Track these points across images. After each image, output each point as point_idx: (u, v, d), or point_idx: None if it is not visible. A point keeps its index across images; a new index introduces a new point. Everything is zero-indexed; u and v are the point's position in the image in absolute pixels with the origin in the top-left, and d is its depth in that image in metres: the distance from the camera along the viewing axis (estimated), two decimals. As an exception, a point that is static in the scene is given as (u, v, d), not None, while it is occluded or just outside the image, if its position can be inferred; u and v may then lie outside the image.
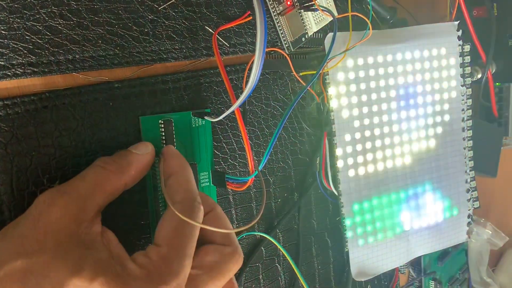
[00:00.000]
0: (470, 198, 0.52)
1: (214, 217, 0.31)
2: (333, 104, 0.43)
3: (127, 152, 0.30)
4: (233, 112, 0.33)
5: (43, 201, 0.26)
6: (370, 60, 0.45)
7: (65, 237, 0.25)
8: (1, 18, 0.28)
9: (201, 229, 0.29)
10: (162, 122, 0.34)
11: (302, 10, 0.39)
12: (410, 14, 0.51)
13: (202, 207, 0.29)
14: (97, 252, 0.25)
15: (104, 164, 0.28)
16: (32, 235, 0.24)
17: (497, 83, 0.56)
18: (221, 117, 0.33)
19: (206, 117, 0.35)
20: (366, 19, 0.40)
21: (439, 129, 0.49)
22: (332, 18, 0.38)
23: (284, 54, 0.39)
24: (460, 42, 0.50)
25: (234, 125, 0.38)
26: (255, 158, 0.39)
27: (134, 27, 0.33)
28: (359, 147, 0.45)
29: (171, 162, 0.31)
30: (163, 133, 0.34)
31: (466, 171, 0.52)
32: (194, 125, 0.36)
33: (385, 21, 0.47)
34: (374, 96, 0.45)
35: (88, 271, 0.24)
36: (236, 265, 0.30)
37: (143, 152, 0.30)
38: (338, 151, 0.44)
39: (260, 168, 0.35)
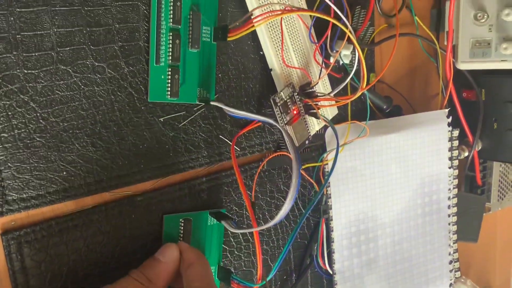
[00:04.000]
0: (453, 269, 0.56)
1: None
2: (331, 191, 0.47)
3: (155, 262, 0.33)
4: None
5: None
6: (367, 149, 0.48)
7: None
8: (41, 154, 0.31)
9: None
10: (182, 220, 0.37)
11: (306, 115, 0.42)
12: (405, 99, 0.54)
13: None
14: None
15: (137, 277, 0.32)
16: None
17: (481, 160, 0.60)
18: (239, 231, 0.37)
19: (223, 223, 0.38)
20: (364, 125, 0.44)
21: (427, 209, 0.53)
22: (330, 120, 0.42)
23: (289, 155, 0.42)
24: (450, 128, 0.53)
25: (242, 220, 0.42)
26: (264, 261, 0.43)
27: (157, 145, 0.36)
28: (353, 228, 0.49)
29: (189, 254, 0.34)
30: (182, 231, 0.37)
31: (449, 245, 0.56)
32: (209, 224, 0.39)
33: (381, 110, 0.51)
34: (368, 182, 0.49)
35: None
36: None
37: (169, 260, 0.34)
38: (335, 234, 0.47)
39: (268, 278, 0.39)
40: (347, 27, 0.34)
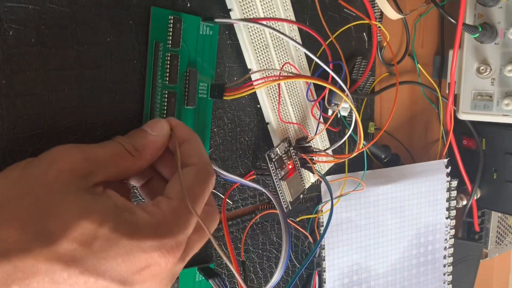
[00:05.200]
0: (446, 320, 0.55)
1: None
2: (325, 242, 0.46)
3: (142, 133, 0.29)
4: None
5: (61, 150, 0.26)
6: (363, 200, 0.48)
7: (74, 186, 0.24)
8: None
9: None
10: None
11: (301, 168, 0.42)
12: (404, 147, 0.54)
13: (214, 172, 0.30)
14: (106, 200, 0.25)
15: (122, 142, 0.28)
16: (43, 177, 0.24)
17: (479, 211, 0.59)
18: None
19: (211, 282, 0.37)
20: (360, 180, 0.43)
21: (422, 258, 0.53)
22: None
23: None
24: (448, 178, 0.53)
25: (232, 274, 0.41)
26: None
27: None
28: (346, 280, 0.48)
29: (182, 131, 0.31)
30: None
31: (444, 295, 0.55)
32: (197, 280, 0.38)
33: (379, 159, 0.50)
34: (363, 232, 0.48)
35: (97, 215, 0.23)
36: (216, 223, 0.31)
37: (158, 134, 0.30)
38: (327, 286, 0.47)
39: None
40: (344, 91, 0.34)
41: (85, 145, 0.27)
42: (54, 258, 0.22)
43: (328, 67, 0.33)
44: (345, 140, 0.42)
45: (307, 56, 0.41)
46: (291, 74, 0.35)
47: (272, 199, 0.32)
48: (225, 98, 0.35)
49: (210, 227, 0.30)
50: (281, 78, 0.33)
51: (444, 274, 0.55)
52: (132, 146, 0.28)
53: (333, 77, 0.34)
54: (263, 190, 0.33)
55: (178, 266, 0.27)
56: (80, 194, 0.24)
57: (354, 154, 0.38)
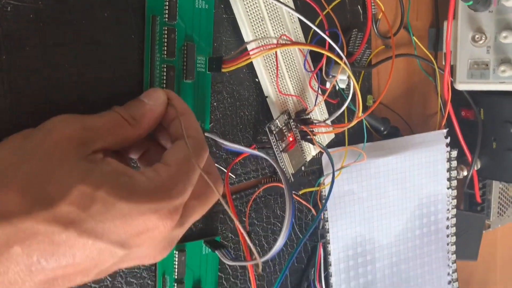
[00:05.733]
0: (452, 289, 0.56)
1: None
2: (329, 215, 0.47)
3: (140, 103, 0.30)
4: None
5: (60, 120, 0.26)
6: (364, 172, 0.48)
7: (73, 153, 0.25)
8: None
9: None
10: (176, 252, 0.37)
11: (302, 141, 0.42)
12: (403, 120, 0.54)
13: (208, 149, 0.30)
14: (105, 166, 0.25)
15: (120, 111, 0.29)
16: (42, 145, 0.25)
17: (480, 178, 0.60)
18: (233, 263, 0.37)
19: (218, 253, 0.38)
20: (361, 151, 0.43)
21: (425, 229, 0.53)
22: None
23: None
24: (448, 149, 0.53)
25: (238, 247, 0.42)
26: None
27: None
28: (351, 251, 0.48)
29: (179, 103, 0.31)
30: (176, 263, 0.37)
31: (448, 265, 0.55)
32: (204, 253, 0.39)
33: (379, 132, 0.50)
34: (366, 205, 0.49)
35: (95, 179, 0.24)
36: (220, 189, 0.31)
37: (156, 103, 0.30)
38: (332, 258, 0.47)
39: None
40: (341, 59, 0.34)
41: (83, 115, 0.28)
42: (52, 220, 0.23)
43: (325, 34, 0.33)
44: (344, 111, 0.43)
45: (303, 28, 0.41)
46: (287, 42, 0.36)
47: (273, 163, 0.33)
48: (223, 70, 0.35)
49: (212, 193, 0.30)
50: (278, 45, 0.34)
51: (448, 244, 0.55)
52: (130, 115, 0.29)
53: (330, 45, 0.34)
54: (265, 156, 0.34)
55: (177, 231, 0.28)
56: (78, 160, 0.25)
57: (354, 122, 0.39)
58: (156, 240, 0.26)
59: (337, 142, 0.47)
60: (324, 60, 0.39)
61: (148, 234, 0.25)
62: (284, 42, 0.36)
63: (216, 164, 0.39)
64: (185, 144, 0.28)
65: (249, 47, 0.35)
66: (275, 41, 0.36)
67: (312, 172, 0.47)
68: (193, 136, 0.30)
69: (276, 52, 0.37)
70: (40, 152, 0.24)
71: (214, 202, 0.31)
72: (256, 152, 0.34)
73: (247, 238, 0.30)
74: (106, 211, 0.24)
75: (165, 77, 0.34)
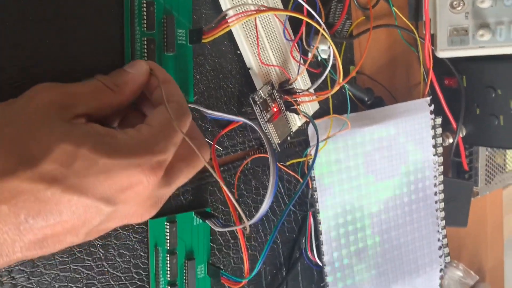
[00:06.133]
0: (442, 255, 0.57)
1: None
2: (317, 184, 0.47)
3: (122, 71, 0.31)
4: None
5: (42, 86, 0.27)
6: (350, 141, 0.49)
7: (55, 116, 0.26)
8: None
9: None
10: (167, 224, 0.38)
11: (287, 112, 0.43)
12: (386, 90, 0.55)
13: (191, 114, 0.31)
14: (87, 127, 0.26)
15: (102, 79, 0.29)
16: (24, 109, 0.25)
17: (466, 146, 0.61)
18: (224, 229, 0.37)
19: (208, 222, 0.38)
20: (345, 119, 0.44)
21: (413, 196, 0.54)
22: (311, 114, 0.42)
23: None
24: (432, 116, 0.54)
25: (228, 218, 0.42)
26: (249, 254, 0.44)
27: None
28: (341, 220, 0.49)
29: (161, 73, 0.32)
30: (168, 234, 0.38)
31: (438, 231, 0.57)
32: (195, 224, 0.40)
33: (363, 102, 0.51)
34: (354, 173, 0.50)
35: (76, 138, 0.25)
36: (207, 154, 0.32)
37: (138, 71, 0.31)
38: (322, 227, 0.48)
39: (255, 271, 0.39)
40: (320, 25, 0.35)
41: (65, 83, 0.28)
42: (36, 178, 0.23)
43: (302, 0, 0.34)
44: (327, 80, 0.43)
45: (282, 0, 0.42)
46: (265, 8, 0.36)
47: (256, 128, 0.33)
48: (203, 41, 0.36)
49: (198, 158, 0.31)
50: (256, 12, 0.34)
51: (437, 211, 0.56)
52: (112, 82, 0.29)
53: (308, 13, 0.35)
54: (248, 122, 0.34)
55: (163, 190, 0.28)
56: (60, 122, 0.25)
57: (336, 89, 0.39)
58: (142, 196, 0.26)
59: (321, 113, 0.48)
60: (303, 28, 0.40)
61: (132, 189, 0.26)
62: (261, 9, 0.36)
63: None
64: (165, 110, 0.29)
65: (228, 15, 0.36)
66: (253, 8, 0.36)
67: (299, 143, 0.47)
68: (175, 101, 0.30)
69: (255, 20, 0.38)
70: (23, 116, 0.25)
71: (201, 166, 0.31)
72: (239, 118, 0.35)
73: (234, 201, 0.31)
74: (89, 167, 0.24)
75: (146, 50, 0.35)
